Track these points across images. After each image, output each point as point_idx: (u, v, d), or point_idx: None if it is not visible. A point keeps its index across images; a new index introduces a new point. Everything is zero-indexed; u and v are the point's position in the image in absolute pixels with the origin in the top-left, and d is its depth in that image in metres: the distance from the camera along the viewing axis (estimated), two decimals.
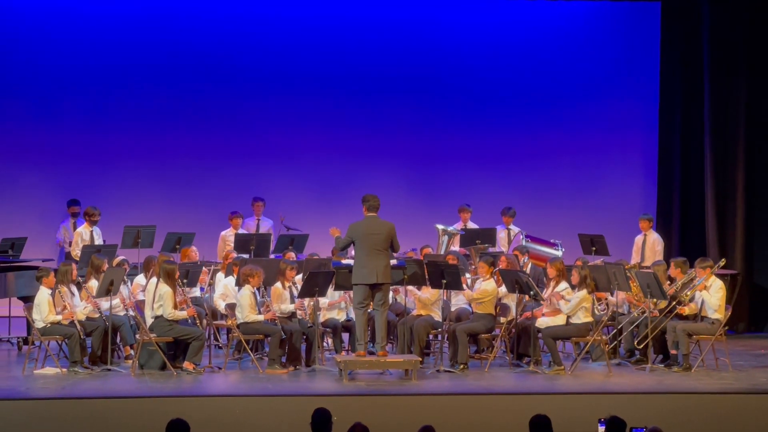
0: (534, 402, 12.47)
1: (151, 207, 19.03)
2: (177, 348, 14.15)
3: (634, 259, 17.48)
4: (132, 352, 14.53)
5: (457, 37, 19.82)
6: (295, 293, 14.58)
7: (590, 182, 20.00)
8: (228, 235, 17.72)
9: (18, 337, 16.14)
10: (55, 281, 14.14)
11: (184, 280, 14.37)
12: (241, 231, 17.73)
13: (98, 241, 17.29)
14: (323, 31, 19.65)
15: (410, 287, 14.78)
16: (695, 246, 18.75)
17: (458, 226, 17.70)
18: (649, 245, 17.56)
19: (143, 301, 14.41)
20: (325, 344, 15.21)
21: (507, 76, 19.87)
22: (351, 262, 14.40)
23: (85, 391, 12.79)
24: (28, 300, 15.04)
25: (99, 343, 14.15)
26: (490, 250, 16.88)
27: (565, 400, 12.73)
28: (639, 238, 17.75)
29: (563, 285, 14.51)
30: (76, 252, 16.89)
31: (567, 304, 14.32)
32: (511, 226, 18.10)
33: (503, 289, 14.73)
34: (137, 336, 14.24)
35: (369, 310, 13.97)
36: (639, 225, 17.81)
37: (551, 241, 17.17)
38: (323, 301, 14.78)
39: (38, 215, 19.10)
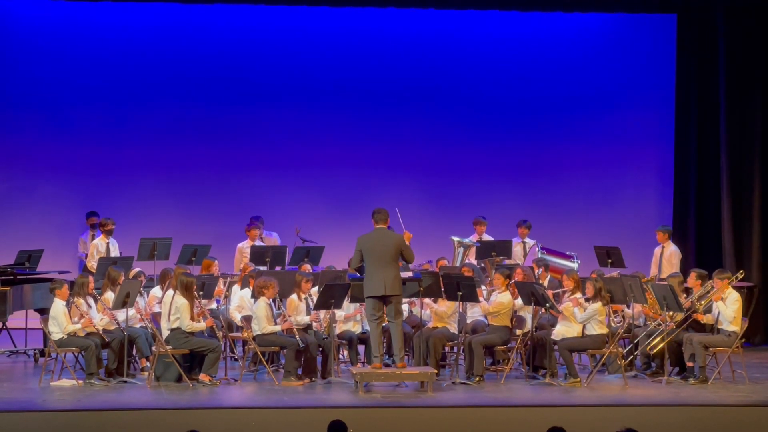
0: (550, 414, 12.46)
1: (167, 219, 19.08)
2: (193, 360, 14.18)
3: (653, 271, 17.43)
4: (148, 364, 14.55)
5: (472, 49, 19.82)
6: (311, 305, 14.59)
7: (606, 194, 19.97)
8: (245, 247, 17.71)
9: (34, 349, 16.18)
10: (68, 293, 14.18)
11: (200, 292, 14.39)
12: (258, 243, 17.78)
13: (114, 252, 17.32)
14: (339, 44, 19.67)
15: (426, 300, 14.78)
16: (711, 258, 18.69)
17: (473, 238, 17.70)
18: (665, 257, 17.50)
19: (159, 314, 14.44)
20: (340, 356, 15.21)
21: (523, 88, 19.86)
22: None
23: (102, 403, 12.82)
24: (44, 312, 15.08)
25: (115, 355, 14.18)
26: (506, 262, 16.87)
27: (581, 412, 12.71)
28: (657, 250, 17.70)
29: (578, 296, 14.50)
30: (92, 264, 16.95)
31: (582, 313, 14.31)
32: (527, 239, 18.09)
33: (519, 301, 14.72)
34: (153, 348, 14.26)
35: (384, 324, 13.98)
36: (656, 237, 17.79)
37: (567, 253, 17.17)
38: (339, 313, 14.79)
39: (55, 227, 19.16)
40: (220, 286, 15.54)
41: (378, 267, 13.80)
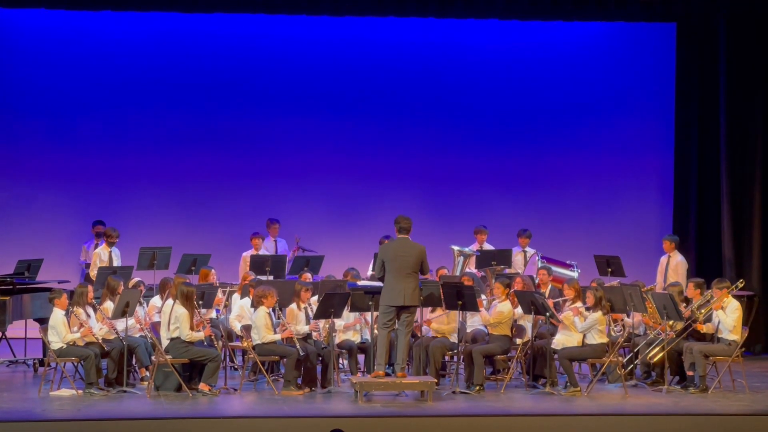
0: (550, 423, 12.46)
1: (166, 228, 19.07)
2: (192, 369, 14.16)
3: (658, 280, 17.40)
4: (147, 373, 14.53)
5: (473, 58, 19.84)
6: (311, 314, 14.58)
7: (606, 203, 19.97)
8: (249, 256, 17.78)
9: (34, 359, 16.16)
10: (68, 302, 14.17)
11: (200, 302, 14.38)
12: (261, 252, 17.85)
13: (117, 262, 17.35)
14: (339, 53, 19.69)
15: (429, 316, 14.77)
16: (712, 267, 18.68)
17: (474, 247, 17.69)
18: (672, 267, 17.47)
19: (159, 323, 14.42)
20: (340, 366, 15.19)
21: (523, 97, 19.87)
22: (366, 283, 14.42)
23: (101, 413, 12.81)
24: (43, 321, 15.07)
25: (115, 364, 14.17)
26: (506, 271, 16.86)
27: (582, 421, 12.70)
28: (663, 259, 17.67)
29: (578, 305, 14.49)
30: (94, 273, 16.93)
31: (583, 322, 14.29)
32: (527, 248, 18.09)
33: (519, 310, 14.71)
34: (153, 357, 14.24)
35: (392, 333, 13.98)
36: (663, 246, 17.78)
37: (567, 262, 17.17)
38: (339, 322, 14.77)
39: (55, 237, 19.15)
40: (219, 295, 15.53)
41: (399, 277, 13.77)
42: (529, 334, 14.76)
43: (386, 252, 13.94)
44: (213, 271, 15.86)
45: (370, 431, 12.15)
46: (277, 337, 14.28)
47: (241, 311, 15.16)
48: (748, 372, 14.94)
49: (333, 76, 19.70)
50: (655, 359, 14.62)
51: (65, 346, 13.97)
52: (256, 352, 14.29)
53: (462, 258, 17.03)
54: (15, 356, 16.50)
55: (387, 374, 14.05)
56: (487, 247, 17.87)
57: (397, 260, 13.81)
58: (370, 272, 16.51)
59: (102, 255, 17.45)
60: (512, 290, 14.80)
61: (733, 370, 14.62)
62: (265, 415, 12.85)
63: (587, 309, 14.38)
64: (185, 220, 19.46)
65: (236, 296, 15.70)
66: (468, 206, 19.71)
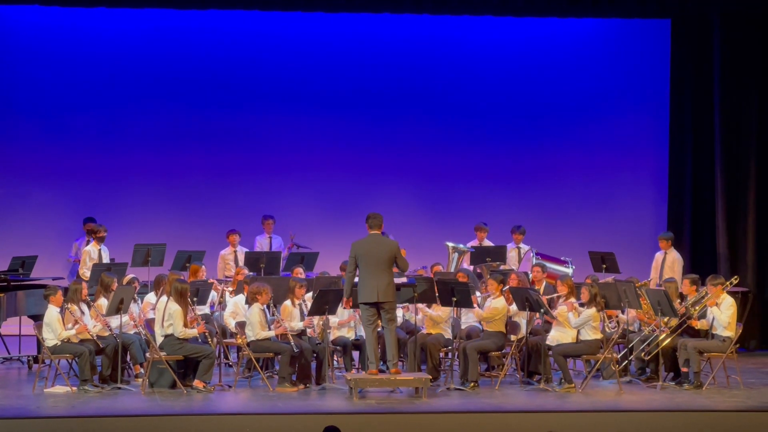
0: (545, 420, 12.46)
1: (161, 225, 19.05)
2: (187, 366, 14.15)
3: (652, 275, 17.40)
4: (142, 370, 14.52)
5: (467, 54, 19.82)
6: (305, 311, 14.57)
7: (601, 200, 19.96)
8: (227, 253, 17.78)
9: (28, 356, 16.14)
10: (62, 299, 14.15)
11: (194, 299, 14.37)
12: (255, 249, 17.80)
13: (106, 259, 17.30)
14: (333, 50, 19.67)
15: (420, 305, 14.76)
16: (706, 263, 18.68)
17: (474, 243, 17.69)
18: (668, 264, 17.46)
19: (153, 320, 14.41)
20: (335, 362, 15.19)
21: (517, 93, 19.85)
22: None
23: (96, 410, 12.80)
24: (38, 318, 15.06)
25: (109, 361, 14.16)
26: (501, 267, 16.85)
27: (576, 418, 12.70)
28: (659, 255, 17.65)
29: (573, 301, 14.49)
30: (84, 271, 16.87)
31: (577, 318, 14.29)
32: (521, 244, 18.09)
33: (514, 306, 14.70)
34: (147, 354, 14.23)
35: (378, 329, 13.96)
36: (659, 244, 17.77)
37: (562, 258, 17.16)
38: (333, 319, 14.76)
39: (49, 233, 19.12)
40: (217, 286, 15.56)
41: (371, 273, 13.76)
42: (523, 331, 14.76)
43: (359, 249, 13.91)
44: (203, 267, 15.86)
45: (364, 428, 12.16)
46: (272, 333, 14.28)
47: (235, 308, 15.14)
48: (742, 368, 14.95)
49: (328, 72, 19.67)
50: (650, 356, 14.60)
51: (59, 343, 13.96)
52: (250, 348, 14.28)
53: (456, 254, 17.04)
54: (9, 353, 16.50)
55: (381, 371, 14.04)
56: (487, 243, 17.87)
57: (370, 256, 13.79)
58: None
59: (92, 252, 17.38)
60: (506, 287, 14.81)
61: (727, 367, 14.63)
62: (260, 412, 12.84)
63: (581, 305, 14.38)
64: (180, 216, 19.44)
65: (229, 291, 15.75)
66: (463, 202, 19.71)
